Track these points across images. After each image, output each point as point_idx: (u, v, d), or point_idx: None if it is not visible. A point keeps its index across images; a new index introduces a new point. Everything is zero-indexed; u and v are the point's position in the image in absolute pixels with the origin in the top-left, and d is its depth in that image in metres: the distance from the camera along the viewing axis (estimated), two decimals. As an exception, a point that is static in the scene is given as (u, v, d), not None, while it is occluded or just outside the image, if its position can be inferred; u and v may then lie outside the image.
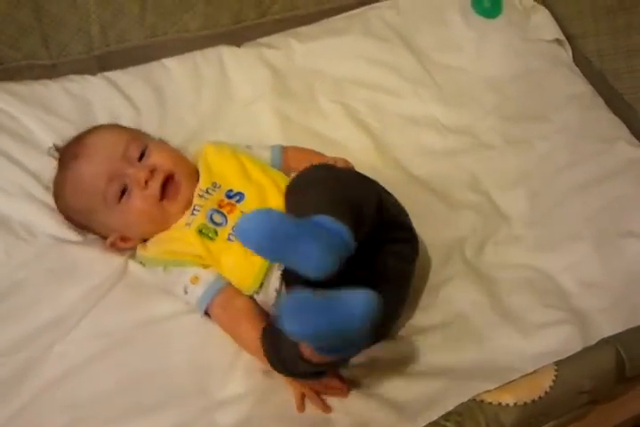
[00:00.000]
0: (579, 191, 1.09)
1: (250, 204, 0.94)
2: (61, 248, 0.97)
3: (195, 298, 0.91)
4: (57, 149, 1.01)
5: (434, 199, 1.11)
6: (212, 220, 0.92)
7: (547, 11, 1.31)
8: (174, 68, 1.20)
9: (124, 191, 0.93)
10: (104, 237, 0.98)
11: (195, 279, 0.90)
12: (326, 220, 0.74)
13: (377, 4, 1.33)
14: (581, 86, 1.25)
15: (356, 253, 0.74)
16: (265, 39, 1.27)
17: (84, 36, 1.14)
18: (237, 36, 1.24)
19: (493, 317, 0.95)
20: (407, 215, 0.96)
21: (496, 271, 1.01)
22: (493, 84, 1.26)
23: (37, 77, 1.14)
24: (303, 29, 1.28)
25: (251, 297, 0.90)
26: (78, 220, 0.98)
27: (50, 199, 1.01)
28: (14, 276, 0.93)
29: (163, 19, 1.17)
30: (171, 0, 1.16)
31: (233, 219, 0.92)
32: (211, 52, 1.22)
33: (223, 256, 0.90)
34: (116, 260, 0.97)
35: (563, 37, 1.29)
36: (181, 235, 0.93)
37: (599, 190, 1.09)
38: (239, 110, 1.18)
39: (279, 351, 0.80)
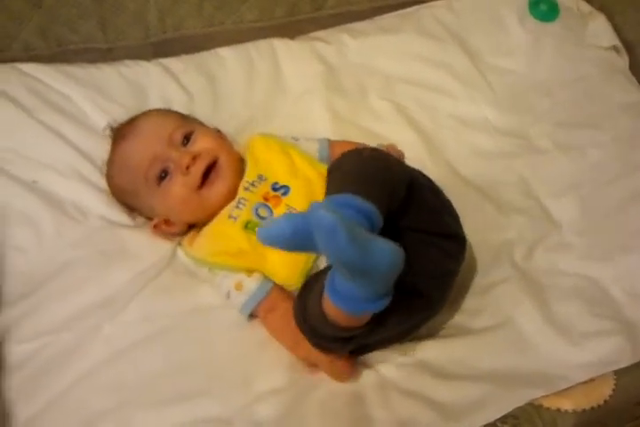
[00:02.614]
0: (630, 202, 1.08)
1: (296, 197, 0.93)
2: (112, 230, 0.97)
3: (237, 305, 0.90)
4: (110, 129, 1.02)
5: (482, 200, 1.09)
6: (257, 214, 0.92)
7: (604, 17, 1.30)
8: (228, 58, 1.20)
9: (165, 175, 0.93)
10: (150, 219, 0.98)
11: (238, 286, 0.90)
12: (348, 198, 0.72)
13: (431, 4, 1.32)
14: (636, 95, 1.23)
15: (399, 243, 0.71)
16: (318, 33, 1.26)
17: (141, 22, 1.15)
18: (291, 28, 1.24)
19: (542, 323, 0.93)
20: (456, 213, 0.94)
21: (546, 278, 0.99)
22: (546, 89, 1.24)
23: (93, 61, 1.15)
24: (356, 25, 1.28)
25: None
26: (125, 200, 0.99)
27: (102, 181, 1.01)
28: (65, 255, 0.93)
29: (220, 8, 1.17)
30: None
31: (279, 212, 0.91)
32: (264, 44, 1.22)
33: (268, 252, 0.89)
34: (164, 245, 0.97)
35: (620, 44, 1.27)
36: (226, 229, 0.92)
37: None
38: (290, 103, 1.18)
39: (306, 309, 0.79)
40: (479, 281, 0.99)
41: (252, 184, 0.94)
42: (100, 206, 0.99)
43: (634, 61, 1.26)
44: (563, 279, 0.99)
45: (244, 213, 0.92)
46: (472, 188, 1.11)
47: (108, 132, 1.02)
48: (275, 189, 0.94)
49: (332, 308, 0.73)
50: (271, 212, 0.92)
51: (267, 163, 0.97)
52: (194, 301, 0.93)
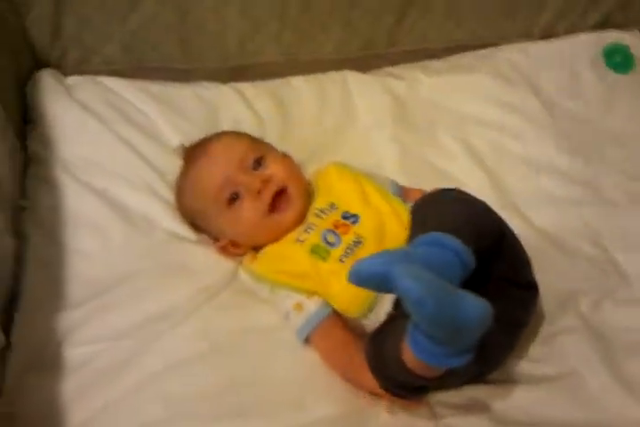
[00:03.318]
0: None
1: (365, 226, 0.92)
2: (176, 245, 0.97)
3: (295, 326, 0.89)
4: (183, 149, 1.03)
5: (549, 246, 1.06)
6: (325, 240, 0.91)
7: (681, 69, 1.29)
8: (301, 87, 1.22)
9: (235, 198, 0.93)
10: (216, 240, 0.98)
11: (298, 307, 0.89)
12: (445, 237, 0.72)
13: (506, 47, 1.32)
14: None
15: (476, 290, 0.70)
16: (391, 69, 1.28)
17: (221, 46, 1.17)
18: (365, 63, 1.26)
19: (608, 379, 0.89)
20: (530, 261, 0.92)
21: (614, 332, 0.95)
22: (619, 139, 1.22)
23: (171, 79, 1.17)
24: (431, 63, 1.29)
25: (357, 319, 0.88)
26: (193, 220, 0.99)
27: (171, 197, 1.02)
28: (130, 264, 0.93)
29: (300, 39, 1.19)
30: (309, 21, 1.18)
31: (347, 240, 0.91)
32: (337, 76, 1.24)
33: (333, 279, 0.88)
34: (227, 264, 0.97)
35: (697, 96, 1.26)
36: (292, 252, 0.91)
37: None
38: (359, 135, 1.18)
39: (382, 355, 0.77)
40: (544, 329, 0.96)
41: (323, 211, 0.95)
42: (167, 220, 1.00)
43: None
44: (632, 335, 0.95)
45: (312, 238, 0.91)
46: (539, 233, 1.08)
47: (180, 151, 1.03)
48: (345, 218, 0.94)
49: (413, 359, 0.71)
50: (339, 238, 0.91)
51: (339, 191, 0.97)
52: (252, 320, 0.92)
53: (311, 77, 1.23)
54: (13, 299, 0.89)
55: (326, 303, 0.89)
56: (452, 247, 0.72)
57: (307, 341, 0.89)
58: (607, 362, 0.91)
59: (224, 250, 0.97)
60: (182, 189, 0.99)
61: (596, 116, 1.25)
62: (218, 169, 0.95)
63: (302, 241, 0.91)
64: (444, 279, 0.67)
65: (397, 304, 0.85)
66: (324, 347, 0.88)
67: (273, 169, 0.96)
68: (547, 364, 0.92)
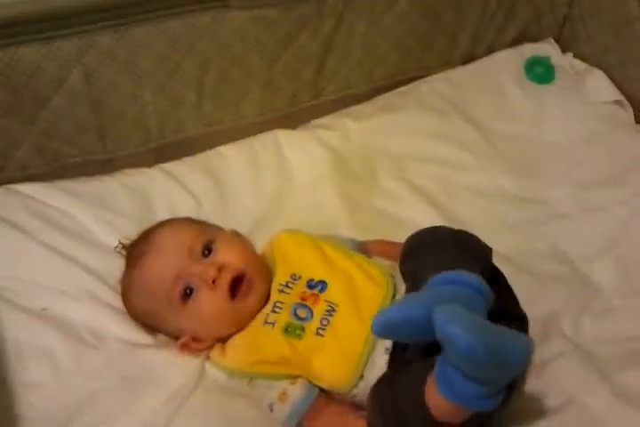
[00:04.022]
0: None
1: (335, 291, 0.88)
2: (132, 353, 0.90)
3: (282, 417, 0.83)
4: (124, 246, 0.97)
5: (516, 273, 1.00)
6: (296, 316, 0.86)
7: (601, 73, 1.29)
8: (231, 156, 1.18)
9: (190, 293, 0.87)
10: (175, 338, 0.91)
11: (282, 397, 0.83)
12: (460, 274, 0.71)
13: (428, 78, 1.31)
14: (649, 146, 1.20)
15: None
16: (319, 120, 1.25)
17: (141, 129, 1.12)
18: (292, 118, 1.22)
19: (608, 397, 0.86)
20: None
21: (599, 347, 0.93)
22: (558, 151, 1.21)
23: (92, 173, 1.11)
24: (357, 108, 1.26)
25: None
26: (147, 321, 0.92)
27: (117, 301, 0.95)
28: (87, 388, 0.86)
29: (219, 107, 1.15)
30: (227, 88, 1.14)
31: (319, 311, 0.86)
32: (267, 137, 1.20)
33: (314, 357, 0.83)
34: (191, 362, 0.90)
35: (622, 98, 1.25)
36: (265, 338, 0.86)
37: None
38: (302, 193, 1.14)
39: (398, 409, 0.73)
40: (534, 359, 0.91)
41: (286, 286, 0.89)
42: (118, 328, 0.93)
43: (637, 114, 1.24)
44: (617, 346, 0.92)
45: (282, 317, 0.86)
46: (505, 260, 1.03)
47: (120, 250, 0.97)
48: (311, 287, 0.89)
49: (441, 403, 0.68)
50: (310, 311, 0.86)
51: (298, 259, 0.92)
52: (233, 419, 0.85)
53: (241, 143, 1.19)
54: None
55: (311, 386, 0.84)
56: (469, 283, 0.71)
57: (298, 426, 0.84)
58: (603, 381, 0.88)
59: (186, 348, 0.90)
60: (130, 290, 0.92)
61: (531, 132, 1.25)
62: (166, 264, 0.88)
63: (272, 323, 0.86)
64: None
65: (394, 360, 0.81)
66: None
67: (225, 255, 0.89)
68: (546, 397, 0.88)
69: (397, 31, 1.20)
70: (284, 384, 0.83)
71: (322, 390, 0.84)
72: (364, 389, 0.82)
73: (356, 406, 0.84)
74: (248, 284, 0.88)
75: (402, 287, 0.88)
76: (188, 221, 0.98)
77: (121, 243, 0.97)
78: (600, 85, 1.27)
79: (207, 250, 0.90)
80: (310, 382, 0.84)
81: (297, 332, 0.84)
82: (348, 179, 1.16)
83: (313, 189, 1.14)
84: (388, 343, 0.83)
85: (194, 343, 0.90)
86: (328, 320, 0.85)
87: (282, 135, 1.20)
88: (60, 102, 1.03)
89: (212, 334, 0.89)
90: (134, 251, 0.93)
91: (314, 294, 0.87)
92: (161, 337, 0.93)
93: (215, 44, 1.05)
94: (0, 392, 0.83)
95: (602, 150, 1.20)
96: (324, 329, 0.84)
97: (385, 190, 1.15)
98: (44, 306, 0.93)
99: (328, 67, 1.19)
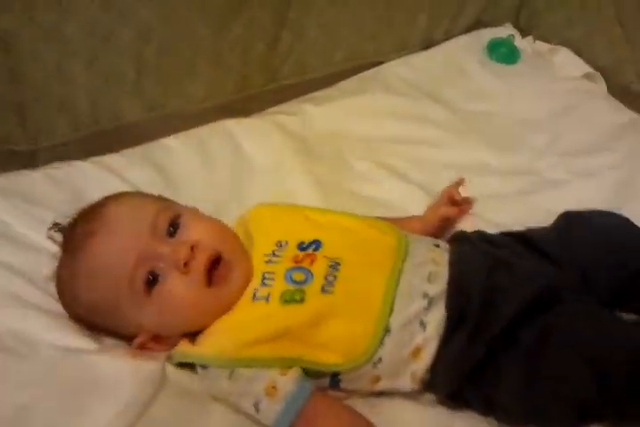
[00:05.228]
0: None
1: (334, 245, 0.74)
2: (71, 360, 0.71)
3: (272, 417, 0.65)
4: (60, 228, 0.77)
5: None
6: (293, 281, 0.70)
7: (567, 49, 1.23)
8: (177, 147, 1.03)
9: (154, 279, 0.69)
10: (128, 340, 0.72)
11: (271, 390, 0.65)
12: None
13: (388, 64, 1.22)
14: (627, 114, 1.13)
15: None
16: (275, 108, 1.12)
17: (69, 112, 0.95)
18: (244, 107, 1.09)
19: None
20: None
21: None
22: (536, 125, 1.13)
23: (14, 168, 0.93)
24: (317, 94, 1.15)
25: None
26: (93, 319, 0.73)
27: (47, 303, 0.76)
28: (14, 401, 0.66)
29: (162, 86, 1.00)
30: (171, 62, 0.99)
31: (319, 270, 0.71)
32: (217, 126, 1.06)
33: (324, 319, 0.68)
34: (147, 366, 0.71)
35: (592, 71, 1.19)
36: (255, 314, 0.69)
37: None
38: (264, 182, 0.99)
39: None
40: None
41: (273, 254, 0.74)
42: (51, 333, 0.73)
43: (610, 85, 1.18)
44: None
45: (276, 287, 0.70)
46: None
47: (55, 232, 0.77)
48: (303, 249, 0.73)
49: None
50: (309, 272, 0.71)
51: (281, 226, 0.78)
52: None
53: (188, 133, 1.04)
54: None
55: (306, 378, 0.67)
56: None
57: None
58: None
59: (143, 348, 0.71)
60: (74, 279, 0.72)
61: (505, 110, 1.16)
62: (125, 243, 0.69)
63: (266, 297, 0.69)
64: None
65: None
66: None
67: (196, 231, 0.72)
68: None
69: (355, 6, 1.11)
70: (274, 375, 0.66)
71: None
72: (391, 354, 0.67)
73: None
74: (227, 266, 0.71)
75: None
76: (143, 194, 0.81)
77: (57, 223, 0.77)
78: (567, 61, 1.22)
79: (172, 227, 0.72)
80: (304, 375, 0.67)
81: (297, 297, 0.68)
82: (317, 164, 1.02)
83: (277, 174, 1.00)
84: (430, 288, 0.70)
85: (153, 344, 0.71)
86: (335, 276, 0.70)
87: (234, 123, 1.06)
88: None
89: (179, 329, 0.71)
90: (79, 230, 0.73)
91: (308, 255, 0.72)
92: (107, 341, 0.74)
93: (156, 6, 0.92)
94: None
95: (580, 122, 1.12)
96: (331, 286, 0.69)
97: (358, 173, 1.02)
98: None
99: (283, 43, 1.08)
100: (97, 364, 0.70)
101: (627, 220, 0.81)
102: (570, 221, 0.81)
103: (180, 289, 0.69)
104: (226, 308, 0.70)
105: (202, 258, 0.70)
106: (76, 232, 0.73)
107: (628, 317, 0.78)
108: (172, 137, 1.04)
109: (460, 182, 0.93)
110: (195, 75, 1.02)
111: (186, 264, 0.69)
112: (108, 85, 0.95)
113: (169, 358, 0.72)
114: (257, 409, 0.65)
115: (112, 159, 0.99)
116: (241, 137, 1.05)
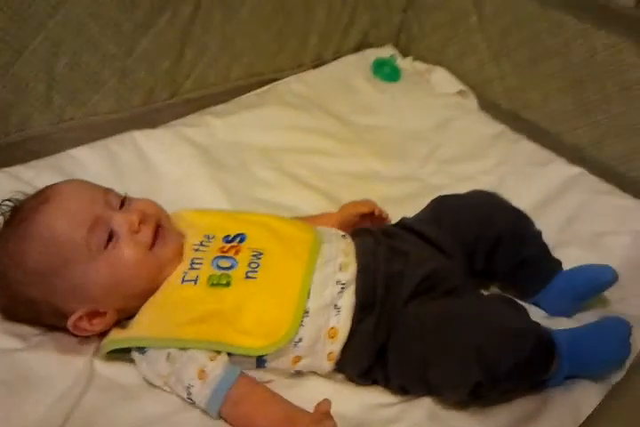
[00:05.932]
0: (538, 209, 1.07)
1: (257, 238, 0.82)
2: (4, 359, 0.73)
3: (202, 400, 0.72)
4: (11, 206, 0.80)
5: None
6: (218, 266, 0.78)
7: (443, 69, 1.38)
8: (85, 158, 1.05)
9: (110, 238, 0.76)
10: (61, 323, 0.75)
11: (201, 374, 0.71)
12: None
13: (283, 80, 1.31)
14: (498, 126, 1.28)
15: None
16: (179, 120, 1.17)
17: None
18: (149, 118, 1.14)
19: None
20: None
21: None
22: (418, 137, 1.26)
23: None
24: (217, 108, 1.22)
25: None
26: (30, 294, 0.75)
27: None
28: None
29: (71, 99, 1.03)
30: (80, 76, 1.03)
31: (243, 259, 0.79)
32: (124, 137, 1.10)
33: (248, 301, 0.75)
34: (76, 361, 0.75)
35: (464, 88, 1.34)
36: (185, 295, 0.76)
37: (556, 204, 1.09)
38: (172, 190, 1.04)
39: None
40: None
41: (201, 244, 0.82)
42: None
43: (481, 100, 1.33)
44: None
45: (204, 271, 0.77)
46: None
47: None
48: (229, 241, 0.81)
49: None
50: (234, 260, 0.78)
51: (208, 224, 0.86)
52: (138, 417, 0.71)
53: (95, 144, 1.08)
54: None
55: (232, 364, 0.73)
56: None
57: (223, 412, 0.72)
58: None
59: (77, 328, 0.75)
60: (17, 247, 0.75)
61: (390, 123, 1.28)
62: (83, 207, 0.77)
63: (194, 280, 0.77)
64: None
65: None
66: (245, 412, 0.71)
67: (141, 204, 0.81)
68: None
69: (252, 25, 1.19)
70: (205, 359, 0.72)
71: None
72: (309, 334, 0.74)
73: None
74: (165, 231, 0.81)
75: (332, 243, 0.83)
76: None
77: (7, 200, 0.81)
78: (443, 79, 1.37)
79: (120, 202, 0.81)
80: (233, 358, 0.73)
81: (223, 281, 0.76)
82: (222, 172, 1.09)
83: (183, 184, 1.05)
84: (342, 276, 0.78)
85: (87, 324, 0.76)
86: (257, 264, 0.78)
87: (140, 135, 1.11)
88: None
89: (119, 295, 0.76)
90: (28, 205, 0.78)
91: (233, 246, 0.80)
92: (34, 340, 0.77)
93: (68, 21, 0.96)
94: None
95: (456, 133, 1.27)
96: (254, 272, 0.77)
97: (262, 181, 1.10)
98: None
99: (186, 60, 1.14)
100: (27, 361, 0.73)
101: (494, 194, 0.93)
102: (443, 205, 0.93)
103: (130, 248, 0.76)
104: (163, 271, 0.77)
105: (151, 223, 0.79)
106: (24, 207, 0.78)
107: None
108: (79, 148, 1.06)
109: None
110: (102, 88, 1.06)
111: (139, 224, 0.77)
112: (16, 97, 0.98)
113: (97, 352, 0.76)
114: (189, 394, 0.71)
115: (20, 171, 1.00)
116: (148, 148, 1.09)
